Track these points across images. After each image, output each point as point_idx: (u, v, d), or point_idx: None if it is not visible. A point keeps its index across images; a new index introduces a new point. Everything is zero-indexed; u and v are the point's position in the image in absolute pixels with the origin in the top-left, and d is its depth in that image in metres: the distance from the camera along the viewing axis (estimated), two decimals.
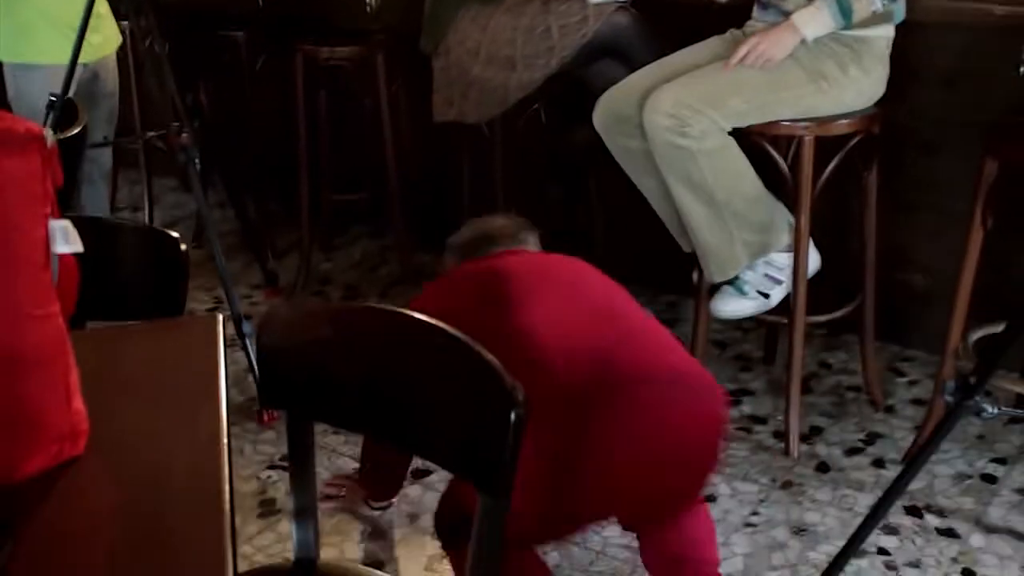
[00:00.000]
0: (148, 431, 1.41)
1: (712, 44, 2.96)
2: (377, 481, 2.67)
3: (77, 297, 1.47)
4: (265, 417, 3.14)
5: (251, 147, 4.31)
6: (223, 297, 3.60)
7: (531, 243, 2.46)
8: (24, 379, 1.28)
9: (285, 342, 1.63)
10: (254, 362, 3.13)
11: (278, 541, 2.65)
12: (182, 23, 4.07)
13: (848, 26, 2.72)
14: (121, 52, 4.34)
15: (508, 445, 1.38)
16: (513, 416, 1.37)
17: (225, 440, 1.37)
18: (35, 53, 3.37)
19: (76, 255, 1.42)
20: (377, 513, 2.76)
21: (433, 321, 1.52)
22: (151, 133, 3.50)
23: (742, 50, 2.75)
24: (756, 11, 2.95)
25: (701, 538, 2.23)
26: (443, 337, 1.50)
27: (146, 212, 4.49)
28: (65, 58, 3.05)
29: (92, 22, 3.06)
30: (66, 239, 1.28)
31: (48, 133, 1.24)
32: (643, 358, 2.03)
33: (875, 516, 2.15)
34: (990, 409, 1.99)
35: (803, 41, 2.74)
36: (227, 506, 1.23)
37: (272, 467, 2.95)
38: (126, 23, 4.18)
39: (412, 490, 2.82)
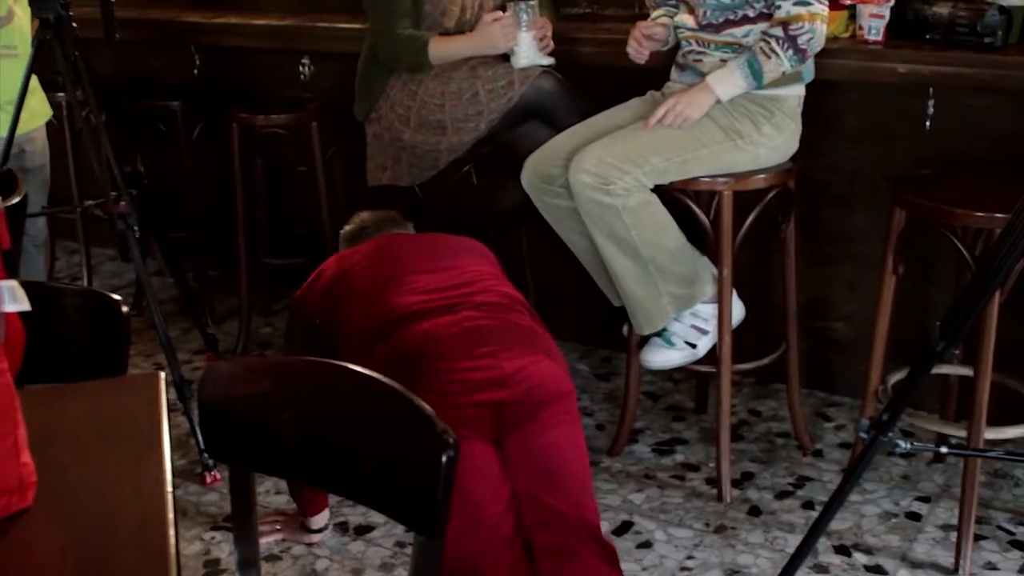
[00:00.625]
0: (94, 484, 1.46)
1: (633, 105, 3.08)
2: (305, 495, 2.82)
3: (23, 356, 1.53)
4: (208, 478, 3.17)
5: (188, 214, 4.35)
6: (163, 363, 3.64)
7: (408, 228, 2.98)
8: None
9: (225, 396, 1.69)
10: (196, 425, 3.17)
11: None
12: (118, 93, 4.14)
13: (759, 86, 2.86)
14: (57, 123, 4.41)
15: (440, 486, 1.45)
16: (444, 459, 1.44)
17: (170, 490, 1.42)
18: None
19: (21, 315, 1.48)
20: (318, 538, 2.87)
21: (366, 372, 1.59)
22: (89, 202, 3.54)
23: (660, 111, 2.87)
24: (674, 73, 3.08)
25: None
26: (376, 385, 1.57)
27: (85, 280, 4.51)
28: None
29: (15, 97, 3.11)
30: (14, 298, 1.34)
31: None
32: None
33: (802, 552, 2.24)
34: (903, 444, 2.09)
35: (718, 101, 2.88)
36: (172, 550, 1.29)
37: (215, 528, 2.98)
38: (62, 95, 4.27)
39: (355, 546, 2.87)
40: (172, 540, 1.31)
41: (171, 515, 1.37)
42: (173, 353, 3.22)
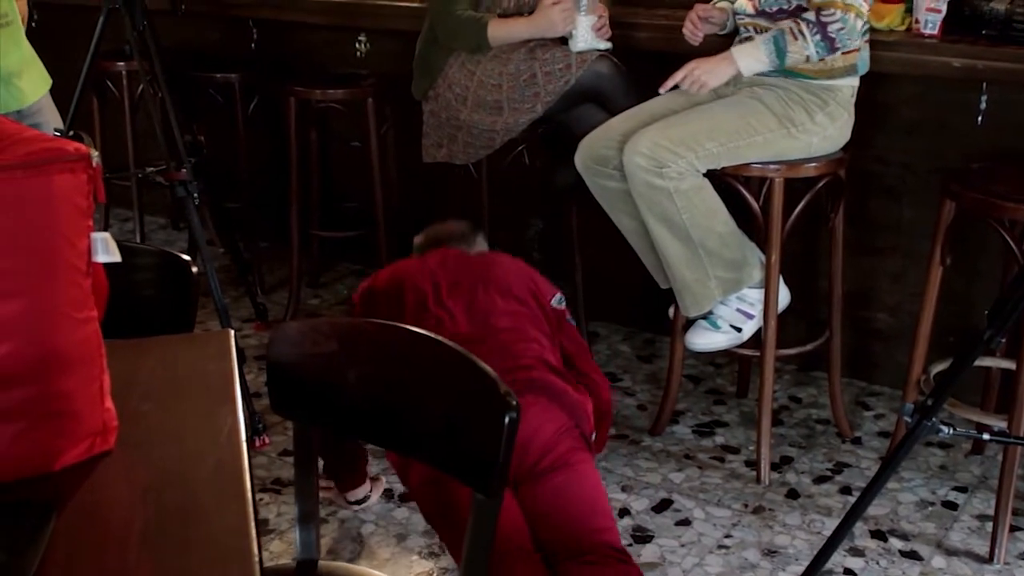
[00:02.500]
0: (172, 432, 1.53)
1: (687, 90, 3.12)
2: (341, 472, 2.90)
3: (105, 307, 1.60)
4: (257, 443, 3.25)
5: (243, 185, 4.43)
6: (213, 329, 3.73)
7: (479, 243, 2.97)
8: (63, 376, 1.40)
9: (294, 354, 1.76)
10: (246, 387, 3.25)
11: (271, 560, 2.76)
12: (179, 65, 4.22)
13: (782, 66, 2.89)
14: (117, 92, 4.50)
15: (502, 447, 1.51)
16: (507, 420, 1.50)
17: (244, 439, 1.49)
18: None
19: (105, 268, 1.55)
20: (356, 508, 2.95)
21: (431, 335, 1.66)
22: (150, 169, 3.62)
23: (679, 73, 2.93)
24: None
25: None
26: (441, 348, 1.63)
27: None
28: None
29: (17, 68, 3.03)
30: (107, 250, 1.41)
31: (94, 153, 1.37)
32: None
33: (841, 531, 2.28)
34: (946, 430, 2.13)
35: (739, 74, 2.92)
36: (248, 492, 1.35)
37: (264, 490, 3.06)
38: (122, 64, 4.36)
39: (400, 512, 2.94)
40: (248, 484, 1.38)
41: (246, 462, 1.43)
42: (228, 319, 3.30)
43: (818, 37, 2.81)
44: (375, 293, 2.79)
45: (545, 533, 2.39)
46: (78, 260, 1.38)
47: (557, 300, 2.79)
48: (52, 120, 3.44)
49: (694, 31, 3.09)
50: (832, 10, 2.80)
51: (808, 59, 2.86)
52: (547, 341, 2.66)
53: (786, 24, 2.86)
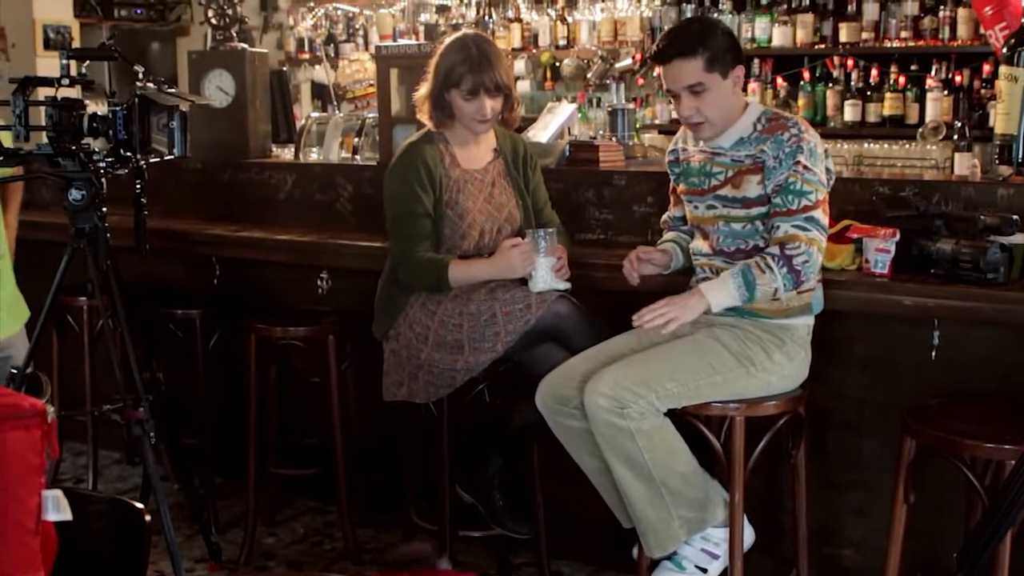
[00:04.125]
0: None
1: (646, 330, 3.16)
2: None
3: (53, 563, 1.55)
4: None
5: (200, 420, 4.38)
6: (165, 570, 3.62)
7: (443, 564, 3.10)
8: None
9: None
10: None
11: None
12: (140, 300, 4.23)
13: (751, 300, 2.94)
14: (77, 327, 4.50)
15: None
16: None
17: None
18: None
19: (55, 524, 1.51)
20: None
21: None
22: (107, 407, 3.58)
23: (650, 312, 2.95)
24: None
25: None
26: None
27: (90, 483, 4.51)
28: None
29: (6, 302, 3.11)
30: (57, 508, 1.37)
31: (49, 409, 1.35)
32: None
33: None
34: None
35: (708, 309, 2.95)
36: None
37: None
38: (83, 299, 4.37)
39: None
40: None
41: None
42: (180, 563, 3.20)
43: (785, 270, 2.88)
44: None
45: None
46: (27, 519, 1.35)
47: None
48: (21, 353, 3.46)
49: (630, 271, 3.16)
50: (797, 243, 2.89)
51: (776, 292, 2.92)
52: None
53: (751, 260, 2.93)
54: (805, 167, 2.92)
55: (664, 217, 3.37)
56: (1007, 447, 2.59)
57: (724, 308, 2.97)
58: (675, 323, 2.95)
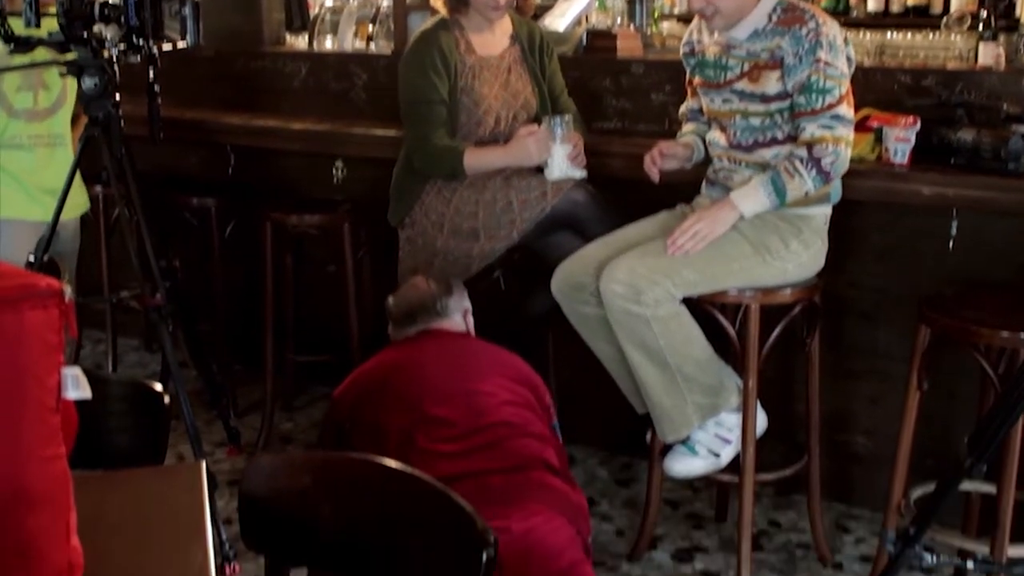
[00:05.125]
0: (139, 569, 1.50)
1: (662, 218, 3.15)
2: None
3: (74, 442, 1.57)
4: (228, 570, 3.17)
5: (217, 308, 4.42)
6: (184, 454, 3.68)
7: (451, 309, 3.04)
8: (29, 515, 1.36)
9: (267, 488, 1.72)
10: (217, 514, 3.19)
11: None
12: (156, 189, 4.23)
13: (782, 205, 2.93)
14: (92, 215, 4.51)
15: None
16: (484, 557, 1.47)
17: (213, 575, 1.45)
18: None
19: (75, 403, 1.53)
20: None
21: (407, 469, 1.63)
22: (124, 293, 3.60)
23: (687, 230, 2.91)
24: (704, 188, 3.16)
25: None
26: (417, 483, 1.61)
27: (110, 369, 4.56)
28: (28, 215, 3.20)
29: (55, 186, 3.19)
30: (77, 386, 1.38)
31: (66, 289, 1.35)
32: None
33: None
34: (929, 558, 2.10)
35: (742, 216, 2.94)
36: None
37: None
38: (99, 188, 4.37)
39: None
40: None
41: None
42: (200, 446, 3.25)
43: (814, 172, 2.86)
44: (359, 392, 2.81)
45: None
46: (47, 397, 1.36)
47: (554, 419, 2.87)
48: (70, 239, 3.58)
49: (651, 167, 3.12)
50: (824, 144, 2.85)
51: (807, 194, 2.90)
52: (545, 437, 2.71)
53: (780, 164, 2.90)
54: (826, 63, 2.85)
55: (682, 109, 3.33)
56: (1022, 335, 2.59)
57: (755, 214, 2.94)
58: (709, 239, 2.92)
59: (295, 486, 1.71)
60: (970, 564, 2.29)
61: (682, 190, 3.22)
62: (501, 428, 2.63)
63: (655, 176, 3.13)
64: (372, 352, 4.05)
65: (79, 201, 3.76)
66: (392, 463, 1.66)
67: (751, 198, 2.93)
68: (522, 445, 2.62)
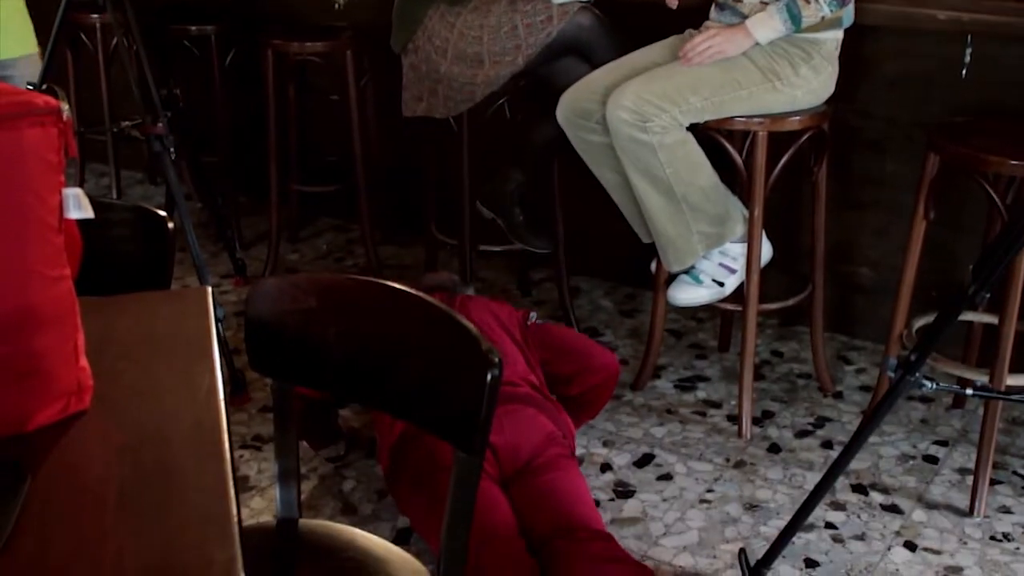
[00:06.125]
0: (148, 390, 1.51)
1: (670, 43, 3.09)
2: (312, 430, 2.97)
3: (80, 264, 1.57)
4: (237, 400, 3.23)
5: (220, 139, 4.38)
6: (191, 285, 3.70)
7: (467, 291, 3.17)
8: (36, 335, 1.37)
9: (272, 311, 1.73)
10: (226, 343, 3.23)
11: (251, 516, 2.75)
12: (154, 18, 4.15)
13: (798, 30, 2.86)
14: (91, 45, 4.44)
15: (484, 403, 1.49)
16: (489, 377, 1.48)
17: (221, 397, 1.46)
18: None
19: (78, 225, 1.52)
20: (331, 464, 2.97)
21: (412, 291, 1.64)
22: (125, 123, 3.56)
23: (700, 42, 2.88)
24: (713, 12, 3.08)
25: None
26: (422, 304, 1.61)
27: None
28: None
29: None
30: (79, 206, 1.37)
31: (64, 107, 1.33)
32: None
33: (822, 486, 2.28)
34: (929, 385, 2.12)
35: (756, 44, 2.88)
36: (227, 451, 1.33)
37: (244, 447, 3.04)
38: (96, 16, 4.28)
39: (379, 468, 2.93)
40: (226, 443, 1.36)
41: (224, 420, 1.41)
42: (206, 275, 3.26)
43: None
44: None
45: (534, 521, 2.46)
46: (49, 216, 1.35)
47: (532, 318, 2.98)
48: (25, 75, 3.39)
49: None
50: None
51: (823, 18, 2.85)
52: (529, 365, 2.82)
53: None
54: None
55: None
56: None
57: (769, 41, 2.89)
58: (720, 55, 2.89)
59: (300, 307, 1.72)
60: (969, 391, 2.31)
61: (689, 14, 3.15)
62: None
63: (673, 2, 3.06)
64: (377, 182, 4.05)
65: (27, 38, 3.54)
66: (398, 285, 1.66)
67: (766, 25, 2.87)
68: (508, 371, 2.71)
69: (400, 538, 2.66)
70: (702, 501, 2.81)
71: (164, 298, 1.86)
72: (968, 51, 3.14)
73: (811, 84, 2.93)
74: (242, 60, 4.30)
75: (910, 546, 2.65)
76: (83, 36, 4.48)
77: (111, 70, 4.49)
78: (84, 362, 1.45)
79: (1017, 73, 3.12)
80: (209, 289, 1.80)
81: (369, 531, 1.84)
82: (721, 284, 3.07)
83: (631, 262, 3.63)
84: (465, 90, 3.26)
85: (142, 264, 2.06)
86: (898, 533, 2.69)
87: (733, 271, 3.07)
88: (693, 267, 3.06)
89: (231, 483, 1.28)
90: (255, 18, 4.28)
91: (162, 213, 2.03)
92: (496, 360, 1.49)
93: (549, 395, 2.82)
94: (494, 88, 3.26)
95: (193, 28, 4.26)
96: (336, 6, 4.16)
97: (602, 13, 3.22)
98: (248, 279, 3.99)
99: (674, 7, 3.07)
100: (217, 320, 3.20)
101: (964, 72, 3.18)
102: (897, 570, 2.56)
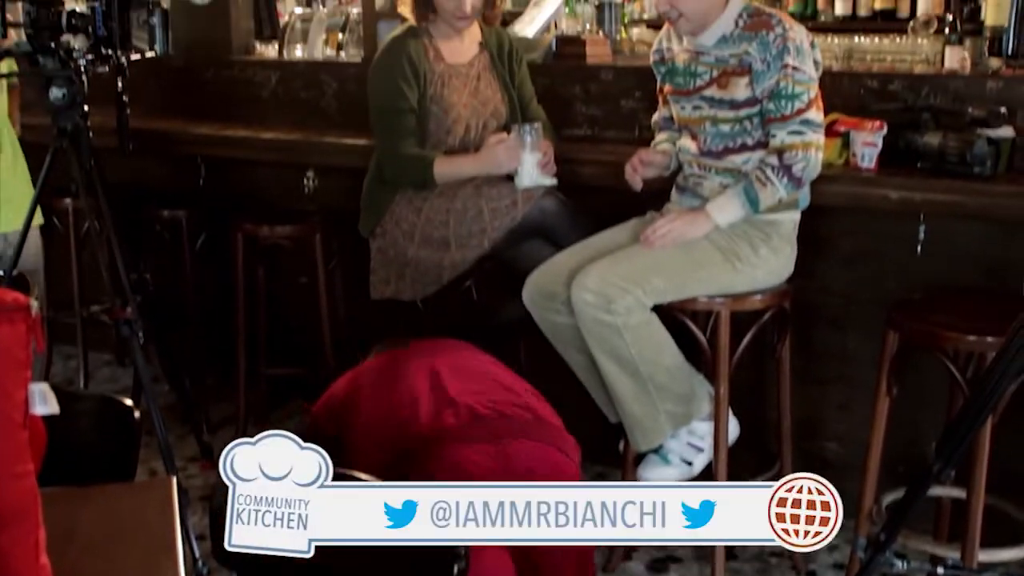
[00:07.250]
0: None
1: (632, 225, 3.17)
2: None
3: (43, 458, 1.56)
4: None
5: (189, 322, 4.39)
6: (157, 469, 3.65)
7: None
8: None
9: None
10: (190, 530, 3.17)
11: None
12: (125, 201, 4.21)
13: (756, 212, 2.95)
14: (62, 228, 4.48)
15: None
16: (456, 569, 1.48)
17: None
18: None
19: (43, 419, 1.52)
20: None
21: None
22: (95, 307, 3.58)
23: (662, 226, 2.95)
24: (674, 194, 3.17)
25: None
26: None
27: (81, 385, 4.53)
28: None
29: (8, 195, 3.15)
30: (44, 401, 1.38)
31: (33, 303, 1.35)
32: None
33: None
34: (899, 564, 2.11)
35: (716, 226, 2.96)
36: None
37: None
38: (68, 200, 4.34)
39: None
40: None
41: None
42: (172, 460, 3.23)
43: (785, 180, 2.89)
44: (347, 398, 2.84)
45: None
46: (15, 412, 1.35)
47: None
48: (32, 256, 3.48)
49: (632, 176, 3.14)
50: (794, 151, 2.88)
51: (780, 201, 2.94)
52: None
53: (752, 174, 2.92)
54: (794, 68, 2.88)
55: (655, 118, 3.34)
56: (989, 339, 2.61)
57: (729, 224, 2.97)
58: (681, 239, 2.96)
59: None
60: (940, 570, 2.30)
61: (652, 197, 3.23)
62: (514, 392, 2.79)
63: (637, 185, 3.15)
64: (346, 364, 4.05)
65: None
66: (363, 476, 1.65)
67: (726, 208, 2.96)
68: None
69: None
70: None
71: (128, 490, 1.85)
72: (922, 228, 3.23)
73: (770, 264, 3.00)
74: (212, 244, 4.35)
75: None
76: (56, 219, 4.53)
77: (82, 254, 4.53)
78: (45, 559, 1.43)
79: (970, 249, 3.21)
80: (173, 480, 1.79)
81: None
82: (690, 463, 3.07)
83: (600, 441, 3.61)
84: (432, 273, 3.31)
85: (107, 454, 2.05)
86: None
87: (701, 450, 3.07)
88: (661, 446, 3.06)
89: None
90: (226, 202, 4.35)
91: (128, 403, 2.03)
92: (462, 552, 1.48)
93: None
94: (461, 271, 3.31)
95: (165, 212, 4.32)
96: (306, 190, 4.24)
97: (565, 197, 3.30)
98: (215, 463, 3.94)
99: (638, 190, 3.16)
100: (182, 505, 3.18)
101: (919, 249, 3.26)
102: None
